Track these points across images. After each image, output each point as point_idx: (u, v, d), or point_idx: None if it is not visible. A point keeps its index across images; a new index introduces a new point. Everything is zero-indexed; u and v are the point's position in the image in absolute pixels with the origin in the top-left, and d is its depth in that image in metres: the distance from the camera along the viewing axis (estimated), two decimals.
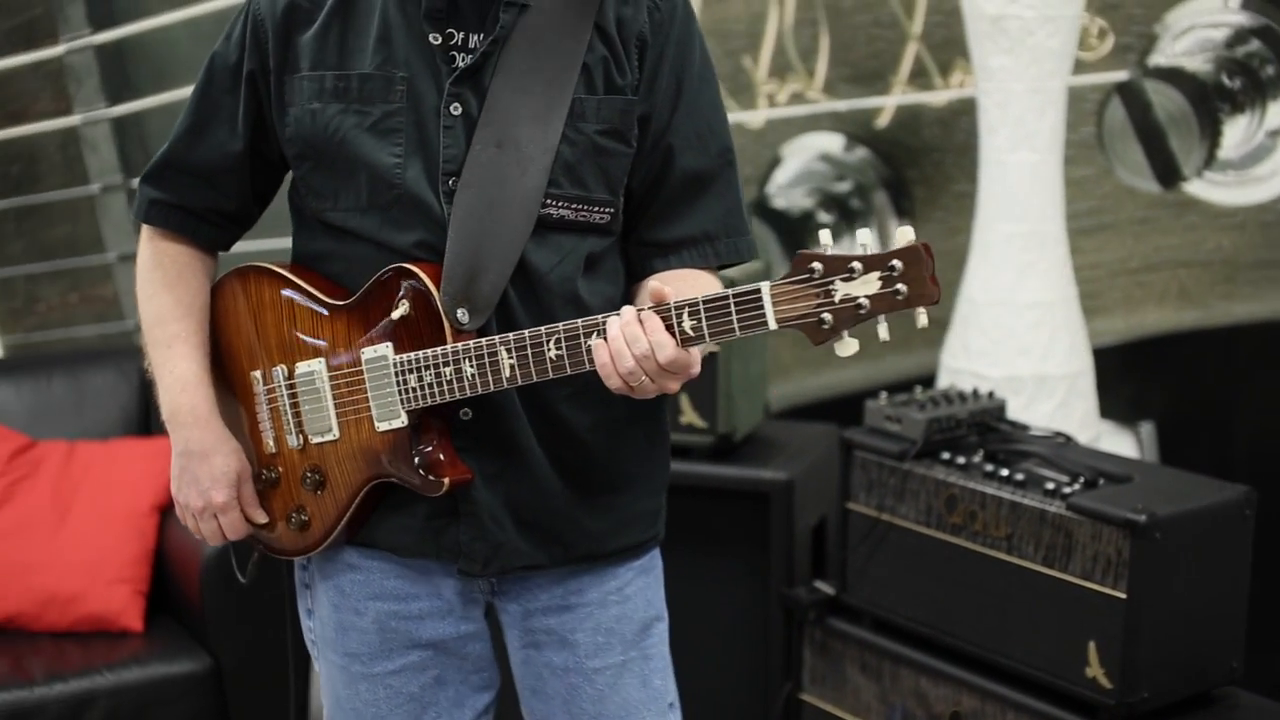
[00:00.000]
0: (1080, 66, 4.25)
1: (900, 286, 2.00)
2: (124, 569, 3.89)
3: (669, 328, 2.11)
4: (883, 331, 2.04)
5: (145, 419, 4.27)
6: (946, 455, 3.37)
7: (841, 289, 2.02)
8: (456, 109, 2.30)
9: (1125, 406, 4.64)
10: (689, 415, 3.77)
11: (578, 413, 2.38)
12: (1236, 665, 3.19)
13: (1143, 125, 4.46)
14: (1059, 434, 3.47)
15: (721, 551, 3.80)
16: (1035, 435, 3.47)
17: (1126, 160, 4.51)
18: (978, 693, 3.27)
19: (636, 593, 2.51)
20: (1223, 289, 4.61)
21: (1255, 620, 3.25)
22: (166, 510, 3.98)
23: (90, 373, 4.32)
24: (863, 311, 2.02)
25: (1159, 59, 4.39)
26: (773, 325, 2.06)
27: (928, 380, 4.22)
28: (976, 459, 3.35)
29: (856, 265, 2.01)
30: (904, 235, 2.01)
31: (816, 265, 2.03)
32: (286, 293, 2.43)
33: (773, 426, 4.11)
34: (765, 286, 2.05)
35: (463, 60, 2.30)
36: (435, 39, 2.30)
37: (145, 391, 4.27)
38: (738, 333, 2.08)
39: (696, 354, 2.16)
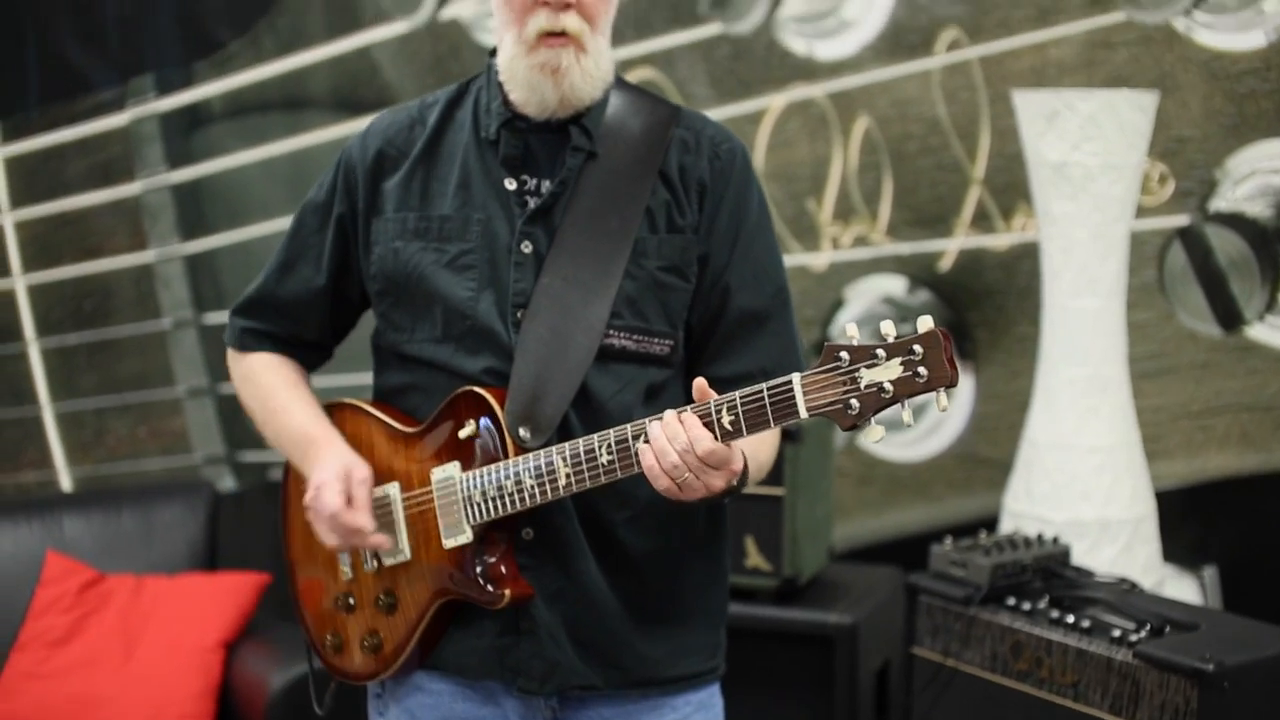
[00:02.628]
0: (1141, 211, 4.28)
1: (921, 370, 2.07)
2: (189, 704, 3.91)
3: (708, 424, 2.19)
4: (907, 416, 2.10)
5: (212, 554, 4.31)
6: (1012, 601, 3.37)
7: (866, 375, 2.10)
8: (527, 247, 2.42)
9: (1188, 551, 4.61)
10: (754, 558, 3.78)
11: (636, 537, 2.46)
12: None
13: (1204, 270, 4.47)
14: (1124, 580, 3.46)
15: (785, 695, 3.79)
16: (1100, 581, 3.46)
17: (1188, 304, 4.52)
18: None
19: None
20: None
21: None
22: (233, 645, 4.01)
23: (159, 506, 4.37)
24: (886, 396, 2.09)
25: (1220, 204, 4.41)
26: (804, 414, 2.13)
27: (989, 522, 4.22)
28: (1042, 605, 3.35)
29: (880, 352, 2.09)
30: (924, 323, 2.08)
31: (844, 355, 2.11)
32: (366, 425, 2.55)
33: (837, 569, 4.11)
34: (796, 378, 2.14)
35: (534, 203, 2.42)
36: (510, 184, 2.44)
37: (212, 526, 4.31)
38: (772, 424, 2.16)
39: (737, 449, 2.24)
